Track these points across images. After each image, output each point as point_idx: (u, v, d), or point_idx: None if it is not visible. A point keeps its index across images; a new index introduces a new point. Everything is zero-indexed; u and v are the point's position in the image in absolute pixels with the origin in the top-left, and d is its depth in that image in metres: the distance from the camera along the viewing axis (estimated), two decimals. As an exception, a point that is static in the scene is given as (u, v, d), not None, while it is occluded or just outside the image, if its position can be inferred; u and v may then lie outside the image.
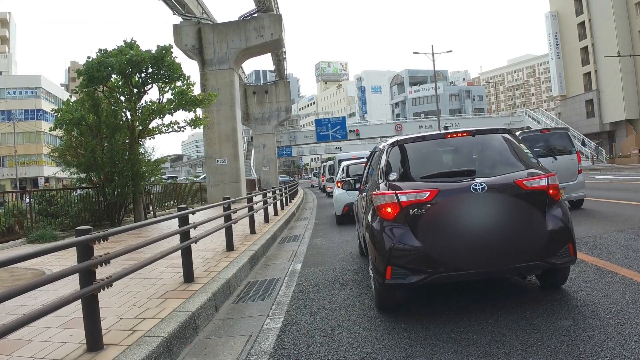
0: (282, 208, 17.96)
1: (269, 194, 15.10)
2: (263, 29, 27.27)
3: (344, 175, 14.44)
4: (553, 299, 4.54)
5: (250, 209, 10.85)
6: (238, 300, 5.73)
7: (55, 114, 15.01)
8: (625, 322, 3.74)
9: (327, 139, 59.40)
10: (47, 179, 60.76)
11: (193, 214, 6.42)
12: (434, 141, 5.11)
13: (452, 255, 4.12)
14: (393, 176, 4.68)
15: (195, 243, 6.22)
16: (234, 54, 27.09)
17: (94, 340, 3.71)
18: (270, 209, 14.74)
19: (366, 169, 7.23)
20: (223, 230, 8.33)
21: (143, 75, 15.17)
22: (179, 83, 15.66)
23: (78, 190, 15.03)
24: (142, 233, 11.27)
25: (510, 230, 4.19)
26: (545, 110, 76.17)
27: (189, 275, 5.93)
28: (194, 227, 6.21)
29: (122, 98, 15.46)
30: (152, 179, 16.44)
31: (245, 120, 46.47)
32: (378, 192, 4.61)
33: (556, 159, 10.76)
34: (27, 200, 13.91)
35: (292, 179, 60.30)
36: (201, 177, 59.11)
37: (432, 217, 4.21)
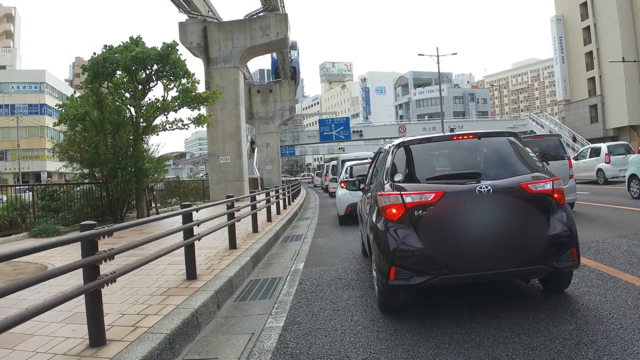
0: (285, 207, 17.97)
1: (272, 193, 15.10)
2: (269, 28, 27.24)
3: (347, 175, 14.43)
4: (556, 303, 4.54)
5: (253, 207, 10.86)
6: (240, 298, 5.73)
7: (60, 109, 15.03)
8: (628, 327, 3.74)
9: (330, 139, 59.35)
10: (49, 174, 60.91)
11: (197, 212, 6.42)
12: (440, 143, 5.13)
13: (456, 257, 4.12)
14: (398, 177, 4.67)
15: (199, 240, 6.22)
16: (239, 53, 27.09)
17: (97, 335, 3.72)
18: (273, 207, 14.75)
19: (371, 169, 7.23)
20: (226, 229, 8.34)
21: (148, 72, 15.17)
22: (183, 80, 15.66)
23: (81, 186, 15.07)
24: (145, 229, 11.29)
25: (515, 233, 4.18)
26: (549, 114, 76.08)
27: (191, 273, 5.94)
28: (197, 225, 6.22)
29: (127, 94, 15.48)
30: (155, 175, 16.43)
31: (249, 119, 46.43)
32: (383, 192, 4.61)
33: (548, 164, 10.85)
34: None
35: (294, 178, 60.36)
36: (201, 174, 58.98)
37: (437, 218, 4.21)
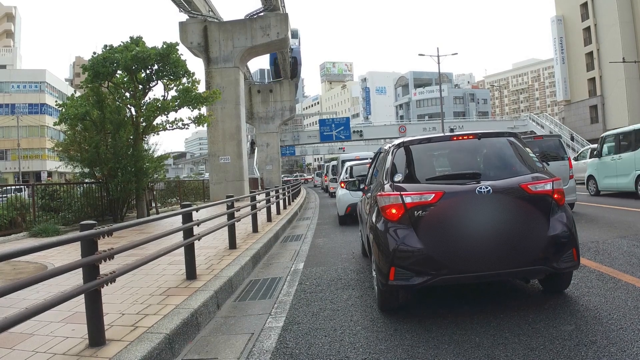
0: (285, 207, 17.97)
1: (272, 193, 15.09)
2: (269, 28, 27.25)
3: (347, 175, 14.43)
4: (556, 303, 4.54)
5: (253, 207, 10.86)
6: (240, 298, 5.73)
7: (60, 109, 15.03)
8: (628, 328, 3.74)
9: (330, 139, 59.37)
10: (50, 174, 60.94)
11: (197, 212, 6.42)
12: (440, 143, 5.13)
13: (456, 258, 4.12)
14: (398, 177, 4.67)
15: (199, 240, 6.22)
16: (240, 53, 27.09)
17: (96, 335, 3.72)
18: (273, 207, 14.75)
19: (371, 169, 7.23)
20: (226, 228, 8.34)
21: (148, 71, 15.17)
22: (184, 80, 15.69)
23: (81, 185, 15.07)
24: (145, 229, 11.29)
25: (515, 234, 4.18)
26: (550, 115, 76.11)
27: (191, 273, 5.94)
28: (197, 225, 6.22)
29: (127, 94, 15.48)
30: (155, 175, 16.43)
31: (249, 118, 46.44)
32: (383, 193, 4.61)
33: (548, 165, 10.85)
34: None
35: (294, 177, 60.37)
36: (207, 174, 58.94)
37: (437, 219, 4.21)
